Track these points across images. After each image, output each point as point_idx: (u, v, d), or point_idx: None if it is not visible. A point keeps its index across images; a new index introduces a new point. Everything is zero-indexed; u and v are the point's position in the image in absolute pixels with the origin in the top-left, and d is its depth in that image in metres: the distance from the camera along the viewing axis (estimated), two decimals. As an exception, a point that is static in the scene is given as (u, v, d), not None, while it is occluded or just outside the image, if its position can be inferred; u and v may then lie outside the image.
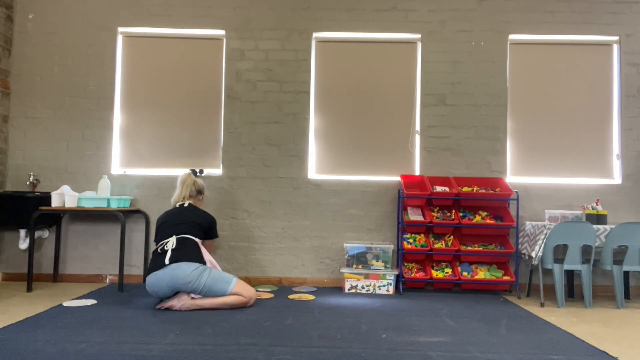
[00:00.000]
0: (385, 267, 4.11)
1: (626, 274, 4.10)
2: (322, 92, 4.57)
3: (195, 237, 3.47)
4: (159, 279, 3.21)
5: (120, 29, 4.54)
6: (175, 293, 3.28)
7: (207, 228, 3.60)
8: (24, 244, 4.19)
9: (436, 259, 4.28)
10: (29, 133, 4.46)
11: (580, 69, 4.57)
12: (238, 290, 3.33)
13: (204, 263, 3.37)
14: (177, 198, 3.73)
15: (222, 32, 4.54)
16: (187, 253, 3.31)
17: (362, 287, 4.06)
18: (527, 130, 4.53)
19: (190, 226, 3.48)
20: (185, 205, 3.65)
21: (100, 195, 4.11)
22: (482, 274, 4.07)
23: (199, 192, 3.77)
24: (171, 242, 3.35)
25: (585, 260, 3.81)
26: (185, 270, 3.19)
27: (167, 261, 3.22)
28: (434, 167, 4.47)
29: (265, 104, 4.49)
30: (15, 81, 4.47)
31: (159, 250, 3.36)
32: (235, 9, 4.53)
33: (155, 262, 3.30)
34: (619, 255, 3.87)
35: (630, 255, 3.74)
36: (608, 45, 4.57)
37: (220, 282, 3.29)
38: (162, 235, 3.46)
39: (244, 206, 4.44)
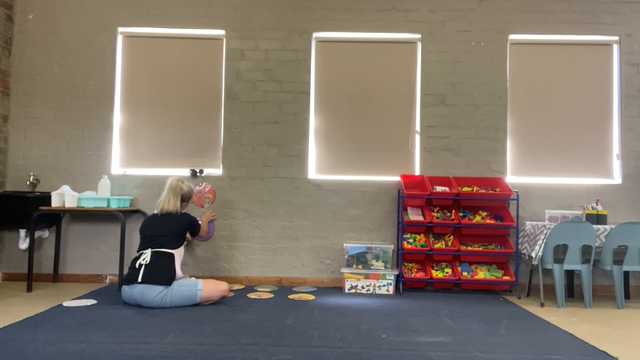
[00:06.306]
0: (385, 267, 4.11)
1: (626, 274, 4.09)
2: (322, 92, 4.57)
3: (172, 248, 3.45)
4: (130, 297, 3.35)
5: (120, 29, 4.54)
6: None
7: (186, 230, 3.59)
8: (24, 244, 4.19)
9: (436, 259, 4.28)
10: (29, 133, 4.46)
11: (580, 69, 4.57)
12: (207, 295, 3.40)
13: (171, 281, 3.35)
14: (161, 204, 3.62)
15: (222, 32, 4.53)
16: (157, 272, 3.31)
17: (362, 287, 4.05)
18: (527, 130, 4.53)
19: (168, 237, 3.47)
20: (166, 213, 3.59)
21: (100, 195, 4.11)
22: (482, 274, 4.07)
23: (182, 199, 3.67)
24: (145, 257, 3.36)
25: (585, 260, 3.81)
26: (149, 295, 3.28)
27: (139, 279, 3.29)
28: (434, 167, 4.47)
29: (265, 104, 4.49)
30: (15, 81, 4.47)
31: (135, 264, 3.37)
32: (235, 9, 4.53)
33: (130, 274, 3.36)
34: (619, 255, 3.86)
35: (630, 255, 3.74)
36: (608, 45, 4.56)
37: (187, 287, 3.36)
38: (141, 243, 3.51)
39: (244, 206, 4.44)
